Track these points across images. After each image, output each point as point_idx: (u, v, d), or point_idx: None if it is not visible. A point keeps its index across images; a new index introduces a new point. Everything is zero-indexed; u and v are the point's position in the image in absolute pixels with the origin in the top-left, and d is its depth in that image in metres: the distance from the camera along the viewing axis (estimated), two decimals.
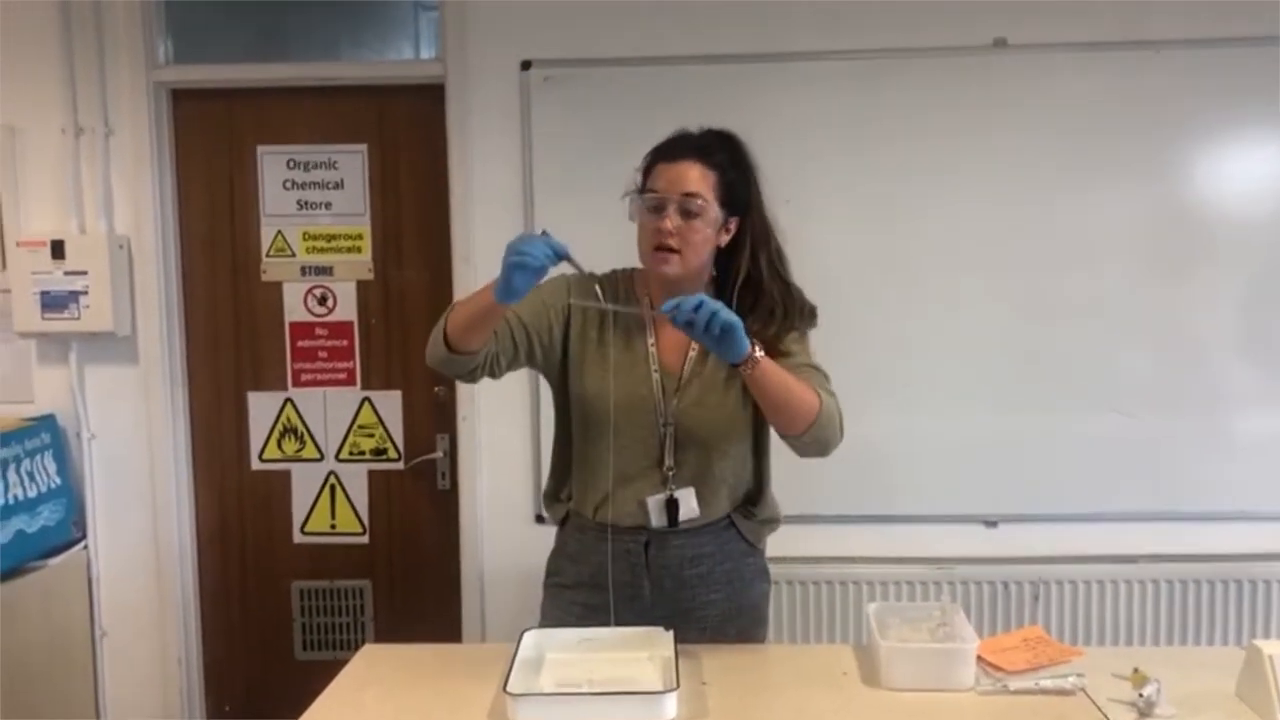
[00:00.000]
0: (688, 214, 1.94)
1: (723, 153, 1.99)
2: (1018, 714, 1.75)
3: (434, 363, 1.98)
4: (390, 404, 3.24)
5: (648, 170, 2.00)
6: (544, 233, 1.80)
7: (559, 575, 2.16)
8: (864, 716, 1.75)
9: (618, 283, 2.10)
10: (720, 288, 2.04)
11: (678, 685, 1.75)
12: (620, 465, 2.02)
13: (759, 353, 1.83)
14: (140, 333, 3.15)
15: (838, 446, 1.99)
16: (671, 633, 1.93)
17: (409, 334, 3.21)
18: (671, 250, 1.95)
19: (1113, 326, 3.01)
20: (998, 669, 1.88)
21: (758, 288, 2.01)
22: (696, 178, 1.95)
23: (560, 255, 1.78)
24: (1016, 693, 1.82)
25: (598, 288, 1.99)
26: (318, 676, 1.91)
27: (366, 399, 3.24)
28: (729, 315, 1.75)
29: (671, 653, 1.87)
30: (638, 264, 2.05)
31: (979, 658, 1.88)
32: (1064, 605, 3.02)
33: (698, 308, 1.73)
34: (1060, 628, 3.00)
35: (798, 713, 1.76)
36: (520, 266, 1.73)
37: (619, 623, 2.00)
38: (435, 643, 3.10)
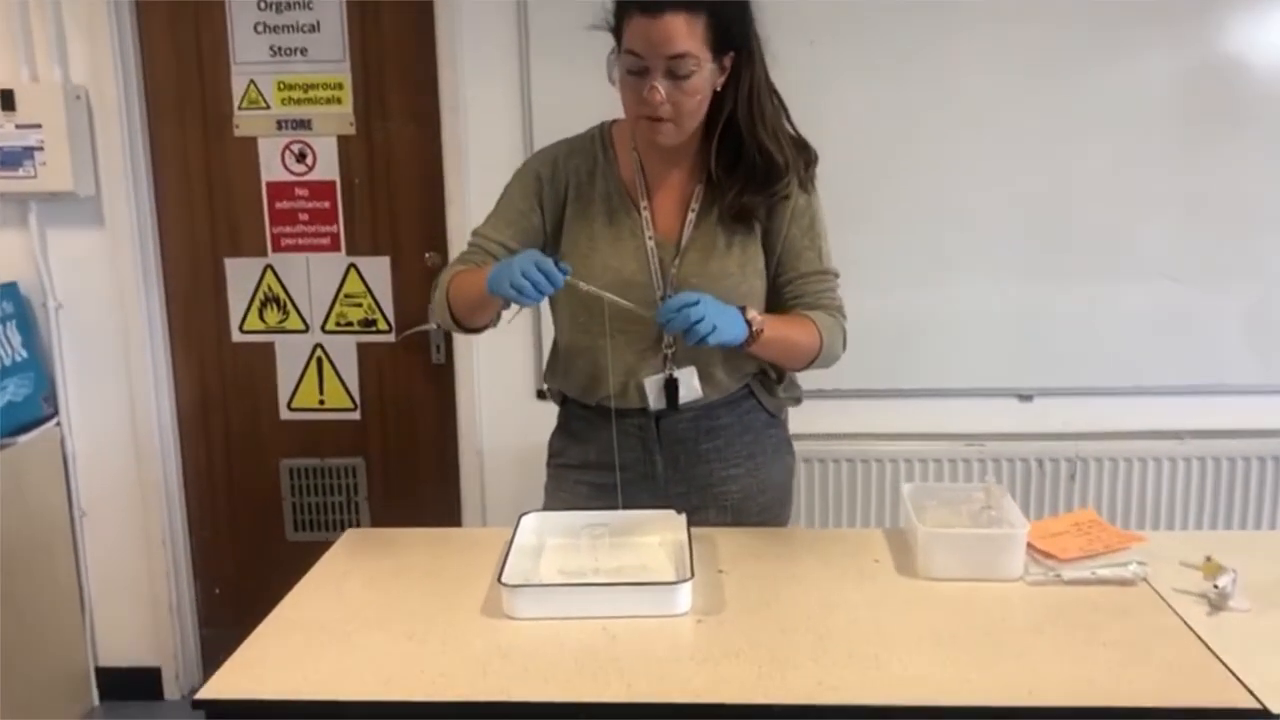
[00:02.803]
0: (677, 77, 1.66)
1: None
2: (1073, 607, 1.57)
3: (445, 327, 1.87)
4: (378, 271, 3.01)
5: (621, 16, 1.68)
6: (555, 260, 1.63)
7: (563, 455, 1.98)
8: (900, 609, 1.57)
9: (597, 145, 1.85)
10: (707, 129, 1.77)
11: (692, 574, 1.56)
12: (617, 352, 1.81)
13: (757, 326, 1.69)
14: (105, 193, 2.91)
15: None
16: (684, 516, 1.77)
17: (396, 195, 2.97)
18: (663, 119, 1.69)
19: (1154, 191, 2.80)
20: (1049, 556, 1.69)
21: (738, 139, 1.75)
22: (683, 33, 1.63)
23: (557, 286, 1.60)
24: (1071, 583, 1.63)
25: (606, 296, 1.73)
26: (311, 558, 1.79)
27: (352, 265, 3.02)
28: (729, 333, 1.64)
29: (685, 537, 1.70)
30: None
31: (1028, 545, 1.68)
32: (1103, 484, 2.87)
33: (697, 323, 1.59)
34: (1099, 507, 2.83)
35: (826, 605, 1.58)
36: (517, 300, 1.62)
37: (631, 504, 1.82)
38: (434, 524, 3.00)
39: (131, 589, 3.10)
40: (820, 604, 1.58)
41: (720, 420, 1.88)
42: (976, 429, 2.88)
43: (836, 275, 1.86)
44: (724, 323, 1.63)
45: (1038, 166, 2.78)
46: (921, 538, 1.67)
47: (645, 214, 1.81)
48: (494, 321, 1.83)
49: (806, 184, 1.81)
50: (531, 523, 1.79)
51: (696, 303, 1.60)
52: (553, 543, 1.78)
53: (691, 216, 1.80)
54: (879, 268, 2.75)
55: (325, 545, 1.84)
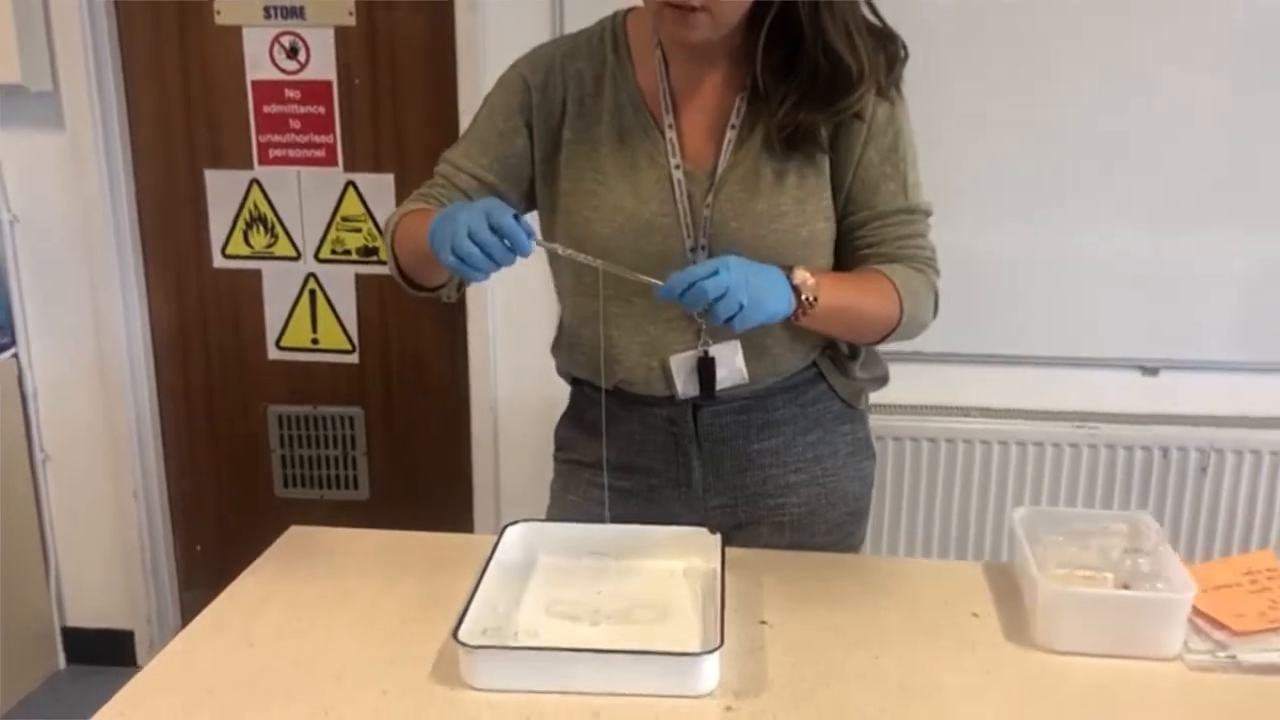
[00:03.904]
0: None
1: None
2: (1256, 707, 1.13)
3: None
4: (380, 190, 2.59)
5: None
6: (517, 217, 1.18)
7: (573, 449, 1.55)
8: (1010, 703, 1.14)
9: (606, 43, 1.40)
10: (752, 18, 1.30)
11: (722, 640, 1.13)
12: (636, 322, 1.38)
13: (807, 294, 1.26)
14: (64, 88, 2.51)
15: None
16: (719, 537, 1.35)
17: (401, 99, 2.54)
18: (694, 8, 1.22)
19: None
20: (1218, 625, 1.23)
21: (796, 35, 1.28)
22: None
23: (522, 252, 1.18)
24: (1251, 670, 1.17)
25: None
26: (302, 516, 1.58)
27: (351, 184, 2.60)
28: (762, 311, 1.21)
29: (718, 566, 1.29)
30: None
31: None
32: (1240, 481, 2.40)
33: (717, 299, 1.17)
34: (1233, 511, 2.38)
35: (907, 688, 1.15)
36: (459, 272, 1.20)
37: (661, 518, 1.43)
38: (439, 487, 2.65)
39: (101, 544, 2.76)
40: (900, 687, 1.15)
41: (777, 412, 1.45)
42: (1088, 407, 2.44)
43: (928, 214, 1.40)
44: (756, 296, 1.20)
45: (1171, 100, 2.28)
46: (1043, 597, 1.22)
47: (670, 135, 1.35)
48: (450, 287, 1.43)
49: (888, 90, 1.34)
50: (517, 536, 1.39)
51: (715, 272, 1.16)
52: (547, 561, 1.39)
53: (731, 136, 1.34)
54: (974, 200, 2.29)
55: (319, 503, 1.69)
